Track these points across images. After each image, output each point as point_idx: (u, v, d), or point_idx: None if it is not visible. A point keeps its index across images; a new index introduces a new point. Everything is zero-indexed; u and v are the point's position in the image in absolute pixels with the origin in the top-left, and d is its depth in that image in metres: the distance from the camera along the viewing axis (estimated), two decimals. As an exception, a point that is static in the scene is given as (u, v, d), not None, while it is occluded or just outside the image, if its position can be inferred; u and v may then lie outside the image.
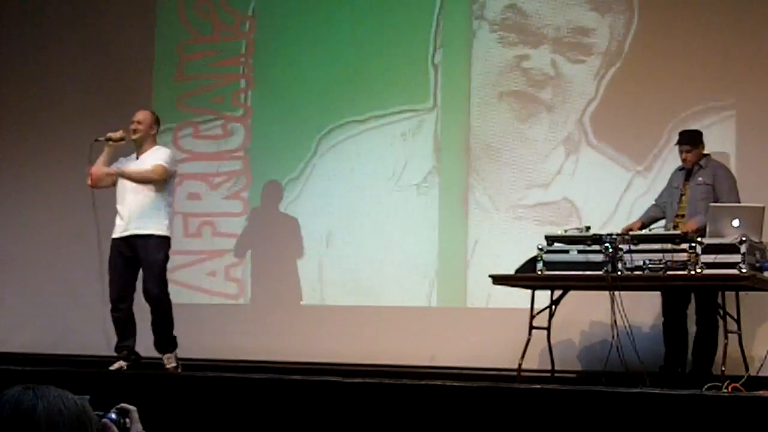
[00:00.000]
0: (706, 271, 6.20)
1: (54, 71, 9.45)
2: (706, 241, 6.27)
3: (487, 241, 8.06)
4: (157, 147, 7.11)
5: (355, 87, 8.64)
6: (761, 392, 5.73)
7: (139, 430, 2.10)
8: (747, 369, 6.43)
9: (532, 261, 6.67)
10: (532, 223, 7.84)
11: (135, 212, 6.93)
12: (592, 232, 6.63)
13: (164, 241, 6.97)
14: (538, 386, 5.66)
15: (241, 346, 8.28)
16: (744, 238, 6.15)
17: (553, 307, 6.80)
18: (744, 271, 6.12)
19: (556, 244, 6.65)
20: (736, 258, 6.14)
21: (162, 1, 9.36)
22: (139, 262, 6.96)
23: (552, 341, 6.84)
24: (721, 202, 6.74)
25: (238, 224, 8.86)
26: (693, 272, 6.23)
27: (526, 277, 6.73)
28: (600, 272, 6.41)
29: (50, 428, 1.84)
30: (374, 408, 5.52)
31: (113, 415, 2.07)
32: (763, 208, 6.47)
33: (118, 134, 7.05)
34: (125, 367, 6.85)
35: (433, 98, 8.41)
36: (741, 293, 6.56)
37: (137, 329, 7.02)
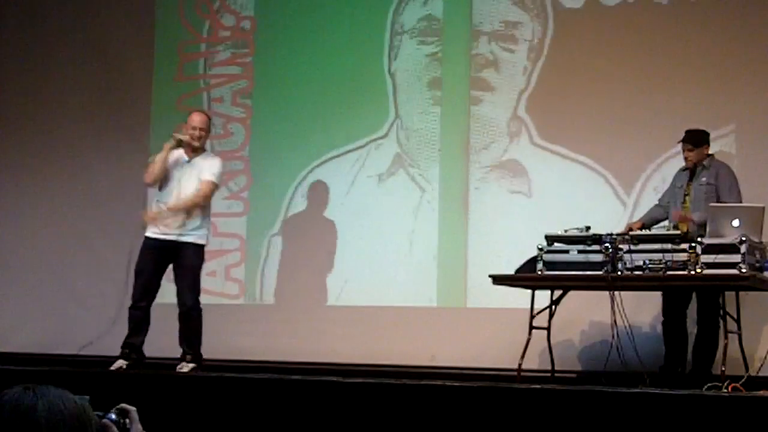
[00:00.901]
0: (706, 271, 6.20)
1: (54, 72, 9.45)
2: (706, 241, 6.27)
3: (487, 241, 8.06)
4: (207, 153, 7.09)
5: (355, 86, 8.66)
6: (761, 392, 5.73)
7: (139, 430, 2.10)
8: (747, 369, 6.43)
9: (532, 261, 6.66)
10: (534, 221, 7.83)
11: (177, 218, 6.91)
12: (592, 231, 6.63)
13: (201, 250, 6.97)
14: (538, 386, 5.66)
15: (241, 346, 8.28)
16: (744, 238, 6.15)
17: (553, 307, 6.80)
18: (744, 271, 6.11)
19: (556, 244, 6.65)
20: (736, 258, 6.14)
21: (162, 1, 9.36)
22: (175, 268, 6.94)
23: (552, 341, 6.84)
24: (721, 201, 6.74)
25: (239, 224, 8.86)
26: (693, 272, 6.22)
27: (526, 277, 6.73)
28: (600, 272, 6.40)
29: (50, 428, 1.84)
30: (374, 408, 5.52)
31: (113, 416, 2.07)
32: (763, 208, 6.47)
33: (188, 138, 6.96)
34: (124, 367, 6.86)
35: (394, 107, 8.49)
36: (741, 293, 6.56)
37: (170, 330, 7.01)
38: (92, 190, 9.17)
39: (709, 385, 6.05)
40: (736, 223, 6.35)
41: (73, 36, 9.43)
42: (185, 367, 6.85)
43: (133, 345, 6.95)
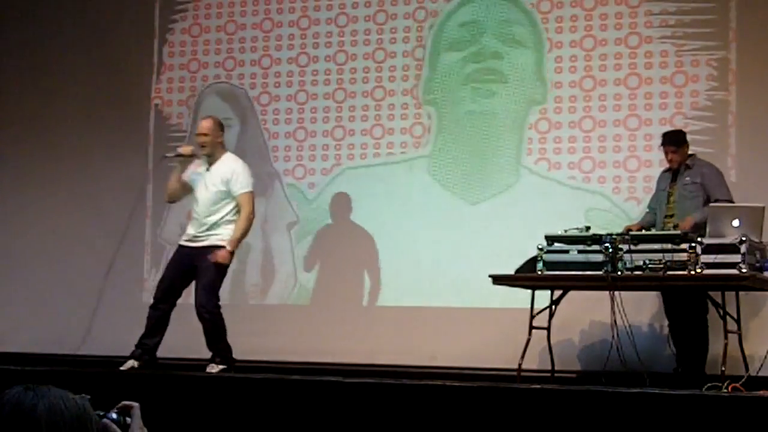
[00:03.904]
0: (706, 271, 6.20)
1: (54, 71, 9.44)
2: (706, 241, 6.27)
3: (486, 241, 8.05)
4: (227, 156, 6.97)
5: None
6: (761, 392, 5.73)
7: (139, 426, 2.10)
8: (747, 369, 6.43)
9: (532, 261, 6.66)
10: (534, 220, 7.82)
11: (206, 223, 6.89)
12: (592, 231, 6.64)
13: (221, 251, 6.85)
14: (538, 386, 5.66)
15: (241, 347, 8.27)
16: (744, 238, 6.15)
17: (553, 307, 6.79)
18: (744, 271, 6.12)
19: (556, 244, 6.65)
20: (736, 258, 6.14)
21: (162, 1, 9.34)
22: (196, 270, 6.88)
23: (552, 341, 6.84)
24: (713, 200, 6.74)
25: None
26: (693, 272, 6.23)
27: (526, 277, 6.73)
28: (600, 272, 6.40)
29: (50, 428, 1.84)
30: (374, 408, 5.52)
31: (114, 415, 2.07)
32: (763, 208, 6.48)
33: (189, 150, 6.98)
34: (135, 366, 6.81)
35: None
36: (741, 293, 6.55)
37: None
38: (92, 190, 9.16)
39: (709, 385, 6.05)
40: (736, 223, 6.35)
41: (73, 34, 9.42)
42: (213, 369, 6.77)
43: (146, 346, 6.90)
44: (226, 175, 6.85)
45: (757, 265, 6.28)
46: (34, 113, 9.46)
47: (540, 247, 6.64)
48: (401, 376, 6.54)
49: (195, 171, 7.00)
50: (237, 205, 6.87)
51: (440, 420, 5.35)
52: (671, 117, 7.66)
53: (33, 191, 9.36)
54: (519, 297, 7.04)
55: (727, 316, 6.35)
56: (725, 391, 5.85)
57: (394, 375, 6.71)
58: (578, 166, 7.93)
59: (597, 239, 6.49)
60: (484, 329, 7.81)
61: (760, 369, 6.61)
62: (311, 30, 8.72)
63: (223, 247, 6.80)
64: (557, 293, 6.82)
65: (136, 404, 2.12)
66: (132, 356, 6.88)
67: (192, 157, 7.01)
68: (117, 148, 9.12)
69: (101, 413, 2.03)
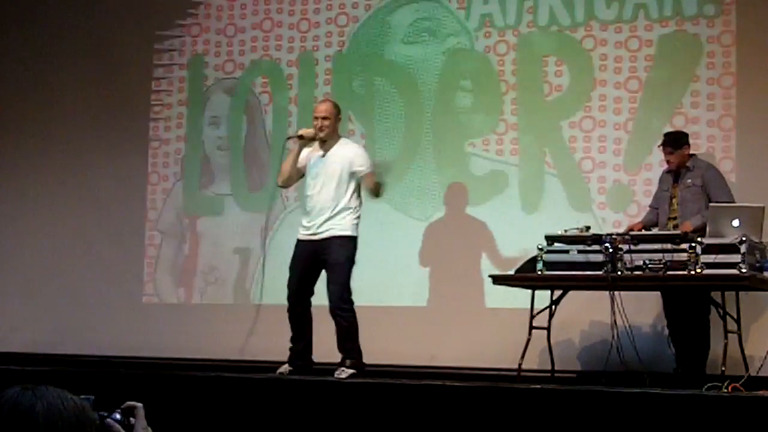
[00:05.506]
0: (706, 271, 6.20)
1: (54, 71, 9.43)
2: (706, 241, 6.28)
3: (485, 240, 8.05)
4: (344, 140, 6.73)
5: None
6: (761, 392, 5.73)
7: (143, 427, 2.10)
8: (747, 369, 6.43)
9: (532, 261, 6.66)
10: (535, 220, 7.83)
11: (327, 212, 6.60)
12: (592, 231, 6.64)
13: (347, 242, 6.62)
14: (538, 386, 5.67)
15: (241, 347, 8.28)
16: (744, 238, 6.15)
17: (553, 307, 6.79)
18: (744, 271, 6.12)
19: (556, 244, 6.65)
20: (736, 258, 6.14)
21: (163, 1, 9.34)
22: (326, 266, 6.61)
23: (552, 341, 6.84)
24: (714, 202, 6.74)
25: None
26: (693, 272, 6.23)
27: (526, 277, 6.73)
28: (600, 272, 6.40)
29: (49, 428, 1.84)
30: (374, 408, 5.53)
31: (117, 416, 2.07)
32: (763, 208, 6.48)
33: (311, 132, 6.64)
34: (285, 372, 6.56)
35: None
36: (741, 293, 6.56)
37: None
38: (92, 190, 9.16)
39: (709, 385, 6.05)
40: (736, 223, 6.36)
41: (73, 36, 9.42)
42: (342, 374, 6.43)
43: (296, 350, 6.68)
44: (348, 157, 6.58)
45: (757, 265, 6.28)
46: (35, 113, 9.45)
47: (540, 247, 6.65)
48: (401, 376, 6.54)
49: (313, 156, 6.70)
50: (356, 190, 6.62)
51: (440, 420, 5.35)
52: (671, 117, 7.67)
53: (33, 191, 9.36)
54: (519, 297, 7.05)
55: (727, 316, 6.36)
56: (725, 391, 5.84)
57: (394, 375, 6.72)
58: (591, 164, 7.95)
59: (597, 239, 6.49)
60: (484, 329, 7.81)
61: (760, 369, 6.61)
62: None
63: (345, 237, 6.56)
64: (557, 293, 6.83)
65: (139, 405, 2.12)
66: (288, 361, 6.66)
67: (312, 140, 6.69)
68: (117, 149, 9.11)
69: (105, 414, 2.03)
